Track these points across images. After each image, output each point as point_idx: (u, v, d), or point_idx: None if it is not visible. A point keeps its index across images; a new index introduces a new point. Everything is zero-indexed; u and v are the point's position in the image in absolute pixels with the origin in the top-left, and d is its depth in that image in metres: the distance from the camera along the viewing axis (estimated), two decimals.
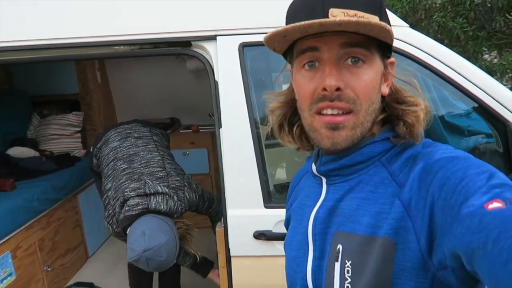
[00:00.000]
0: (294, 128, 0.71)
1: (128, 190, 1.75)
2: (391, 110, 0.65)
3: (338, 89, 0.59)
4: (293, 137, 0.72)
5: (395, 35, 1.36)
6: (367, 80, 0.60)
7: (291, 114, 0.71)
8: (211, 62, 1.43)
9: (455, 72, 1.32)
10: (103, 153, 2.01)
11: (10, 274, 2.10)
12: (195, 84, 3.34)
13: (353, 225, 0.62)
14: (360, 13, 0.58)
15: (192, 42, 1.43)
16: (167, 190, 1.76)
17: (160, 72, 3.37)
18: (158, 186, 1.75)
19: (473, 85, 1.32)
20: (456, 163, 0.55)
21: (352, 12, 0.58)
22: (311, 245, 0.68)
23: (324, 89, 0.59)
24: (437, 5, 4.36)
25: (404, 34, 1.34)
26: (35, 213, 2.36)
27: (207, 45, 1.42)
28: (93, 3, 1.46)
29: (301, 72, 0.63)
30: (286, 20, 0.64)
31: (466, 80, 1.32)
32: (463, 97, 1.36)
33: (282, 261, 1.45)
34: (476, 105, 1.36)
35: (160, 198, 1.72)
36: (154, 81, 3.42)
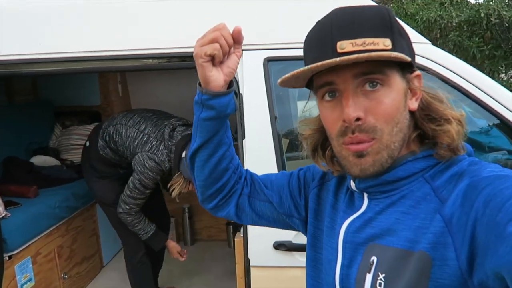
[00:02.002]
0: (327, 152, 0.72)
1: (172, 120, 2.09)
2: (424, 128, 0.64)
3: (358, 119, 0.59)
4: (326, 160, 0.73)
5: (418, 51, 1.39)
6: (388, 103, 0.60)
7: (323, 140, 0.73)
8: (236, 76, 1.48)
9: (477, 89, 1.34)
10: (116, 123, 2.15)
11: (30, 280, 2.14)
12: None
13: (391, 239, 0.61)
14: (368, 40, 0.58)
15: None
16: None
17: (179, 86, 3.44)
18: None
19: (495, 101, 1.33)
20: (504, 181, 0.54)
21: (360, 41, 0.58)
22: (340, 252, 0.68)
23: (345, 121, 0.60)
24: (453, 24, 4.39)
25: (425, 51, 1.37)
26: (56, 219, 2.42)
27: None
28: (123, 18, 1.53)
29: (323, 104, 0.65)
30: (304, 51, 0.66)
31: (488, 96, 1.33)
32: (485, 114, 1.38)
33: (302, 272, 1.46)
34: (498, 121, 1.37)
35: None
36: (174, 95, 3.49)
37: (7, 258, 1.94)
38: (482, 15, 3.79)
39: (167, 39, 1.50)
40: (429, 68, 1.35)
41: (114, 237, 3.15)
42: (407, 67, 0.63)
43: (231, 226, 3.24)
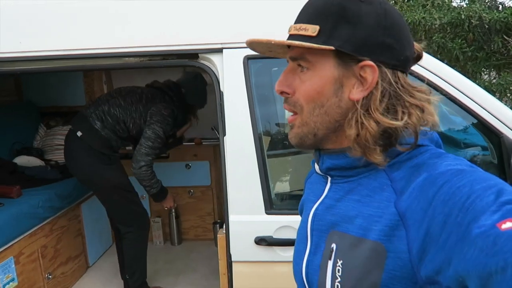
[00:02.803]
0: None
1: (151, 82, 2.55)
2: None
3: (286, 93, 0.67)
4: None
5: None
6: (308, 85, 0.64)
7: None
8: (217, 74, 1.50)
9: (450, 86, 1.38)
10: (107, 100, 2.34)
11: (12, 280, 2.12)
12: None
13: (347, 226, 0.64)
14: (303, 26, 0.63)
15: (199, 54, 1.50)
16: None
17: None
18: None
19: (468, 98, 1.37)
20: (461, 177, 0.54)
21: (298, 25, 0.64)
22: (309, 240, 0.71)
23: None
24: (437, 26, 4.47)
25: None
26: (40, 220, 2.40)
27: (214, 57, 1.49)
28: (105, 15, 1.53)
29: None
30: None
31: (461, 93, 1.38)
32: (460, 111, 1.42)
33: (283, 266, 1.49)
34: (472, 119, 1.41)
35: None
36: None
37: None
38: (463, 17, 3.87)
39: (148, 37, 1.51)
40: None
41: (100, 237, 3.14)
42: (348, 55, 0.61)
43: (217, 225, 3.25)
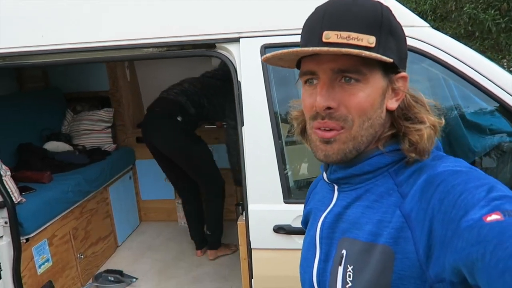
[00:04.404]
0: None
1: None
2: (398, 125, 0.66)
3: (329, 108, 0.62)
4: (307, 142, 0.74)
5: (416, 35, 1.36)
6: (361, 97, 0.61)
7: None
8: (234, 63, 1.49)
9: (476, 72, 1.32)
10: (196, 90, 2.83)
11: (47, 260, 2.26)
12: None
13: (357, 232, 0.64)
14: (353, 35, 0.59)
15: (217, 44, 1.49)
16: None
17: (185, 69, 3.46)
18: None
19: (494, 85, 1.31)
20: (456, 176, 0.56)
21: (345, 34, 0.59)
22: (318, 248, 0.71)
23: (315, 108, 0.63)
24: None
25: (424, 35, 1.35)
26: (70, 203, 2.51)
27: (231, 47, 1.48)
28: (123, 9, 1.54)
29: (305, 87, 0.67)
30: (300, 36, 0.67)
31: (487, 80, 1.32)
32: (486, 97, 1.36)
33: (300, 254, 1.50)
34: (497, 104, 1.35)
35: None
36: (180, 78, 3.51)
37: (24, 241, 2.04)
38: None
39: (166, 28, 1.51)
40: (427, 52, 1.33)
41: (128, 218, 3.27)
42: (390, 67, 0.63)
43: (240, 207, 3.30)
